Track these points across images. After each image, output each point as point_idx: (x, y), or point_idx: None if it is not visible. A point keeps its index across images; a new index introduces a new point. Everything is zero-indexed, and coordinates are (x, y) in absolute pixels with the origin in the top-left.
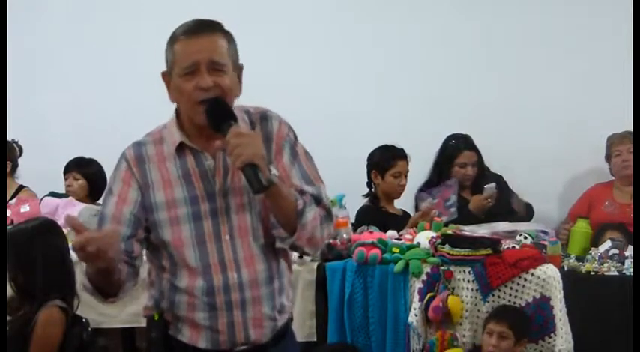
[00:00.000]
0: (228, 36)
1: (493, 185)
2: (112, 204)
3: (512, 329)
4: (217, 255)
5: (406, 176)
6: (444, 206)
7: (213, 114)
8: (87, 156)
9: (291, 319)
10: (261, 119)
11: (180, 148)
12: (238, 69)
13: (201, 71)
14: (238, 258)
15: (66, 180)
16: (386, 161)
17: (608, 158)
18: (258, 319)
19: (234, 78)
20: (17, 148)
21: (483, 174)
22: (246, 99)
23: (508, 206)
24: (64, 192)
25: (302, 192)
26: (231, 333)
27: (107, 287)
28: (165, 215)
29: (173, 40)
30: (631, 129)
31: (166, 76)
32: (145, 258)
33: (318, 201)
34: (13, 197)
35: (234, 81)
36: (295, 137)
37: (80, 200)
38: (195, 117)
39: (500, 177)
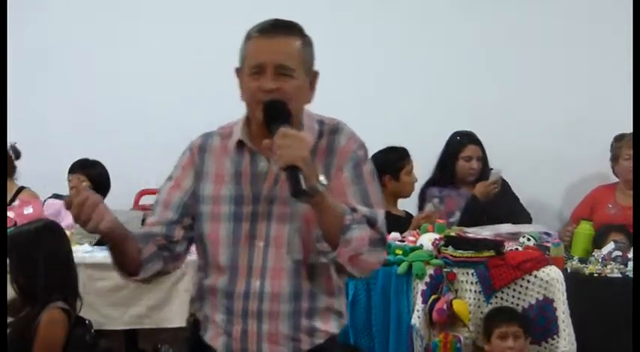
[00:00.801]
0: (304, 39)
1: (499, 171)
2: (166, 188)
3: (522, 327)
4: (247, 260)
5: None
6: (447, 218)
7: (269, 115)
8: (87, 156)
9: (331, 341)
10: (331, 131)
11: (240, 146)
12: (312, 75)
13: (267, 73)
14: (266, 267)
15: (70, 181)
16: (397, 161)
17: (614, 159)
18: (273, 335)
19: (303, 83)
20: (13, 152)
21: (487, 171)
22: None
23: (510, 207)
24: (66, 193)
25: (354, 210)
26: (244, 343)
27: (124, 263)
28: (209, 209)
29: (248, 36)
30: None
31: (239, 73)
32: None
33: (371, 223)
34: (13, 198)
35: (303, 86)
36: (365, 156)
37: None
38: (255, 116)
39: (504, 180)
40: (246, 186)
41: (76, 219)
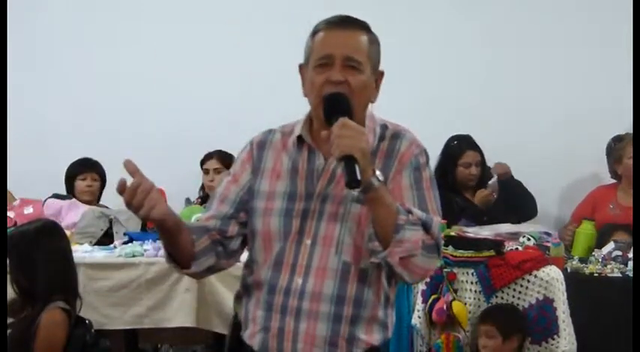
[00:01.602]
0: (371, 36)
1: (495, 180)
2: (224, 183)
3: (496, 327)
4: (292, 257)
5: None
6: None
7: (329, 108)
8: (87, 156)
9: None
10: (393, 136)
11: (300, 142)
12: (377, 73)
13: (335, 65)
14: (311, 266)
15: (83, 180)
16: None
17: (617, 159)
18: (310, 336)
19: (369, 80)
20: None
21: (487, 174)
22: (252, 101)
23: (512, 205)
24: (65, 193)
25: (409, 212)
26: (280, 341)
27: (176, 255)
28: (262, 205)
29: (314, 31)
30: (630, 129)
31: (303, 68)
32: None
33: (426, 228)
34: None
35: (369, 83)
36: (426, 162)
37: (90, 201)
38: (318, 111)
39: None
40: (301, 183)
41: (128, 204)
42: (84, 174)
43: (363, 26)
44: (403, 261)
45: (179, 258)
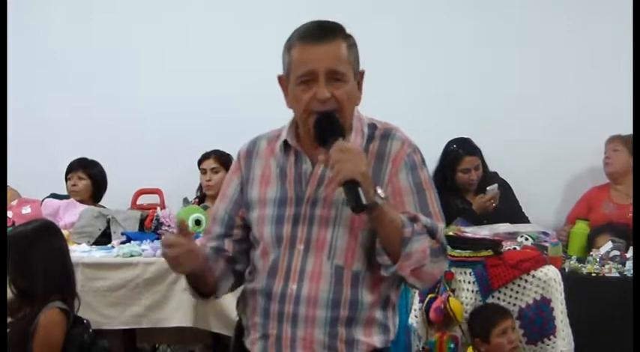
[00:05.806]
0: (349, 41)
1: (495, 186)
2: (217, 200)
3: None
4: (286, 263)
5: None
6: None
7: (321, 129)
8: (86, 156)
9: None
10: (382, 136)
11: (286, 147)
12: (359, 75)
13: (319, 81)
14: (305, 271)
15: (69, 179)
16: None
17: None
18: (308, 341)
19: (353, 86)
20: None
21: (487, 175)
22: (249, 100)
23: (511, 209)
24: (65, 193)
25: (414, 220)
26: (279, 347)
27: (201, 287)
28: (256, 214)
29: (290, 43)
30: (627, 131)
31: (283, 80)
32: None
33: (432, 234)
34: None
35: (353, 90)
36: (422, 162)
37: (83, 200)
38: (306, 125)
39: (506, 183)
40: (290, 187)
41: (169, 261)
42: (70, 174)
43: (339, 32)
44: (414, 272)
45: (204, 289)
